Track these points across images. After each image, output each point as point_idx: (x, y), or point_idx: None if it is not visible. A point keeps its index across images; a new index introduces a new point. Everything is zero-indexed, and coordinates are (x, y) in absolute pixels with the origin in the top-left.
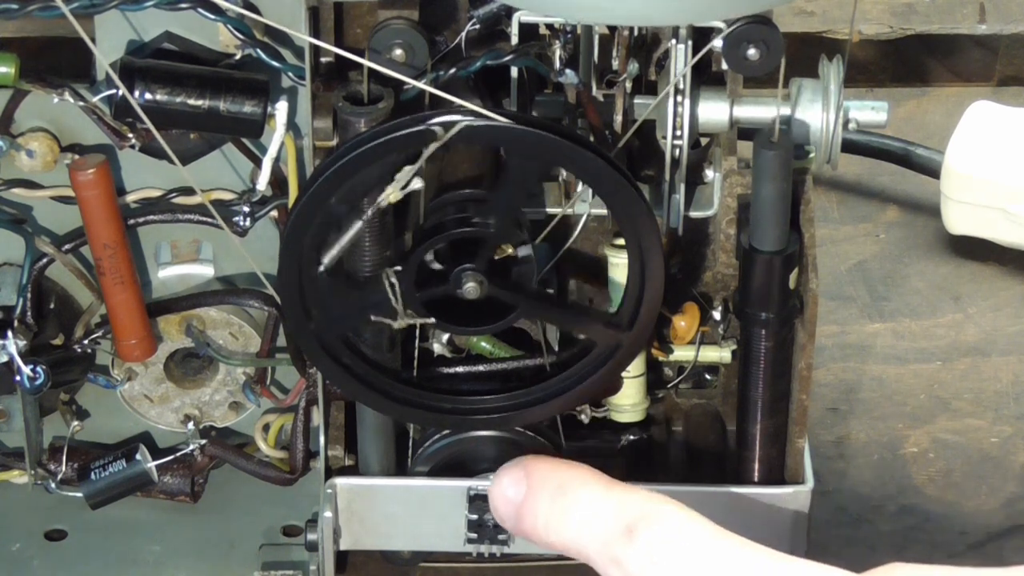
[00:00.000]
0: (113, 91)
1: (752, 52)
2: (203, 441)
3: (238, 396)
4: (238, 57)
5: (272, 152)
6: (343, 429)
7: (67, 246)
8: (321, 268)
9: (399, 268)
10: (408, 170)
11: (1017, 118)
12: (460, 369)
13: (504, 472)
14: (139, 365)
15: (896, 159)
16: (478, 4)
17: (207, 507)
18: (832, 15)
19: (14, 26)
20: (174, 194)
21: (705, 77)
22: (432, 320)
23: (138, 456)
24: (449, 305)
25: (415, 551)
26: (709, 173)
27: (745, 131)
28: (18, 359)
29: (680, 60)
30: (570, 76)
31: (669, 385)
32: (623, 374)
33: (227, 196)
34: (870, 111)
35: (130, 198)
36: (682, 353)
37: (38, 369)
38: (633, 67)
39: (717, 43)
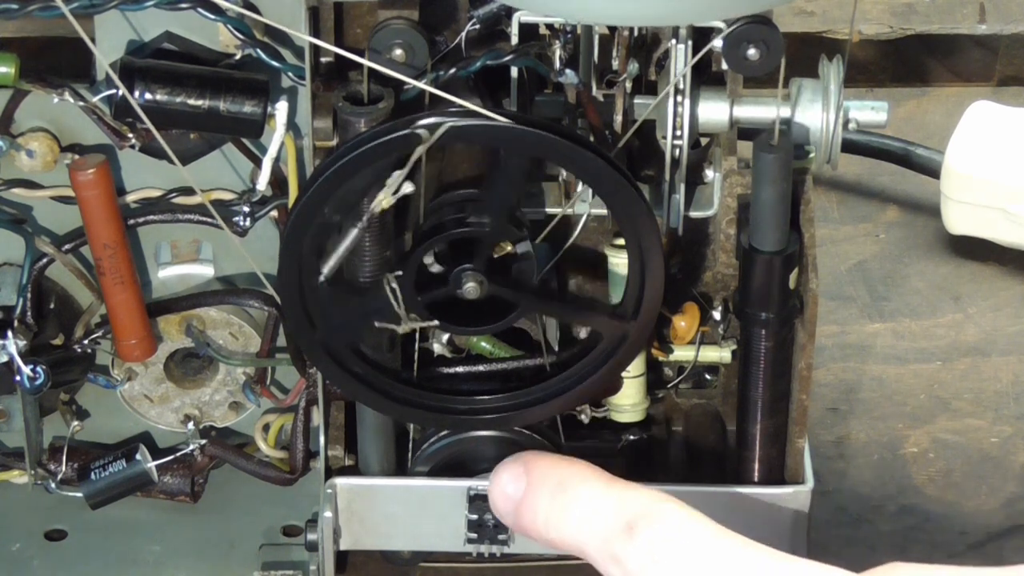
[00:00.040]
0: (113, 91)
1: (752, 52)
2: (203, 441)
3: (238, 396)
4: (238, 57)
5: (272, 152)
6: (343, 429)
7: (67, 246)
8: (322, 278)
9: (399, 273)
10: (398, 175)
11: (1017, 118)
12: (460, 369)
13: (503, 468)
14: (139, 365)
15: (896, 159)
16: (478, 4)
17: (207, 507)
18: (832, 15)
19: (14, 26)
20: (174, 194)
21: (705, 77)
22: (436, 323)
23: (138, 456)
24: (452, 306)
25: (415, 551)
26: (709, 173)
27: (745, 131)
28: (18, 359)
29: (680, 60)
30: (570, 76)
31: (669, 385)
32: (623, 374)
33: (227, 196)
34: (870, 111)
35: (130, 198)
36: (682, 353)
37: (38, 369)
38: (633, 67)
39: (717, 43)
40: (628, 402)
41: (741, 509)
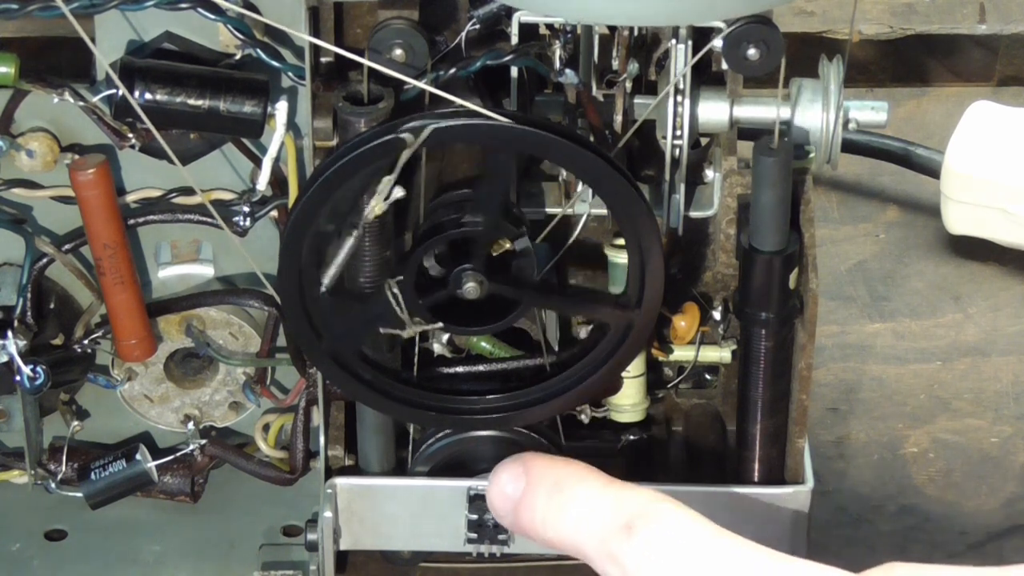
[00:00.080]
0: (113, 91)
1: (752, 52)
2: (203, 441)
3: (238, 396)
4: (238, 57)
5: (272, 152)
6: (343, 429)
7: (67, 246)
8: (323, 288)
9: (400, 278)
10: (388, 180)
11: (1017, 118)
12: (460, 369)
13: (502, 468)
14: (139, 365)
15: (896, 159)
16: (478, 4)
17: (207, 507)
18: (832, 15)
19: (14, 26)
20: (174, 194)
21: (705, 77)
22: (440, 325)
23: (138, 456)
24: (454, 307)
25: (415, 551)
26: (709, 173)
27: (745, 131)
28: (18, 359)
29: (680, 60)
30: (570, 76)
31: (669, 385)
32: (623, 374)
33: (227, 196)
34: (870, 111)
35: (130, 198)
36: (682, 353)
37: (38, 369)
38: (633, 67)
39: (717, 43)
40: (628, 402)
41: (741, 509)
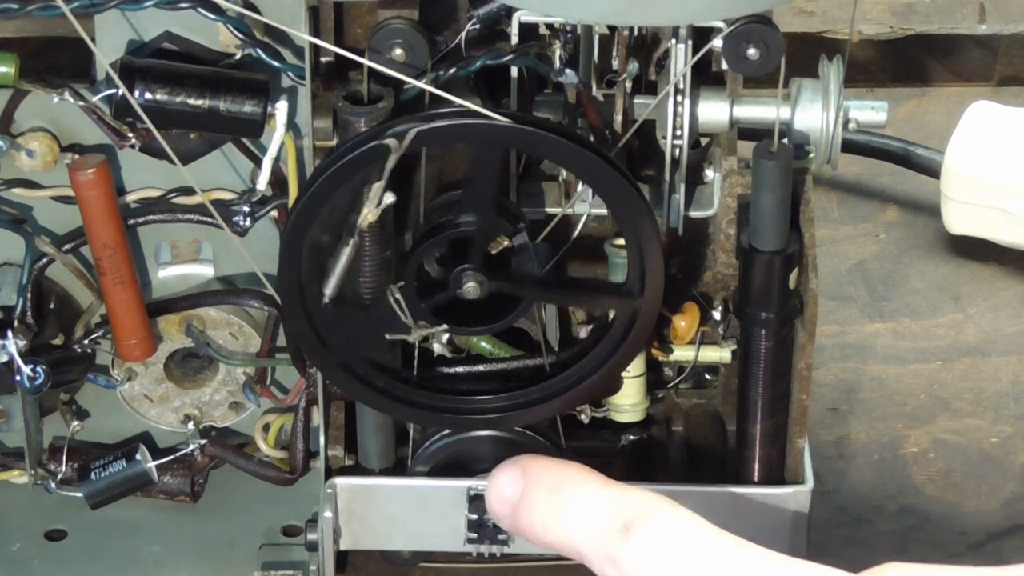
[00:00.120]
0: (113, 91)
1: (752, 52)
2: (203, 441)
3: (238, 396)
4: (238, 57)
5: (272, 152)
6: (343, 429)
7: (67, 246)
8: (326, 299)
9: (402, 283)
10: (378, 187)
11: (1017, 118)
12: (460, 369)
13: (500, 471)
14: (139, 365)
15: (896, 159)
16: (478, 4)
17: (207, 507)
18: (832, 15)
19: (14, 26)
20: (174, 194)
21: (705, 77)
22: (445, 327)
23: (138, 456)
24: (458, 308)
25: (415, 551)
26: (709, 173)
27: (745, 131)
28: (18, 359)
29: (680, 60)
30: (570, 76)
31: (669, 385)
32: (623, 374)
33: (227, 196)
34: (870, 111)
35: (130, 198)
36: (682, 353)
37: (38, 369)
38: (633, 67)
39: (717, 43)
40: (628, 402)
41: (741, 509)
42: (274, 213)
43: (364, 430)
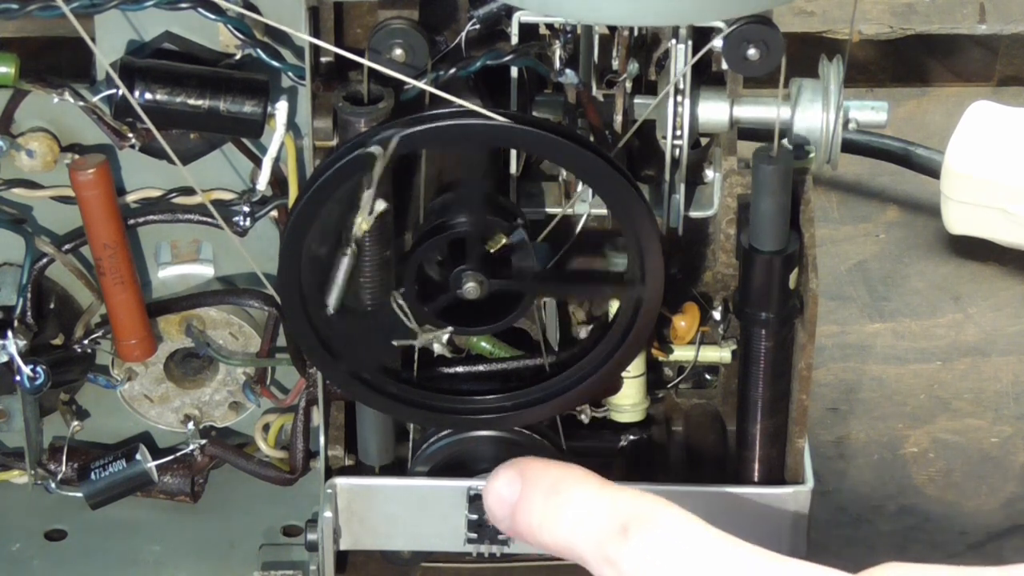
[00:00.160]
0: (113, 91)
1: (752, 52)
2: (203, 441)
3: (238, 396)
4: (238, 57)
5: (272, 152)
6: (343, 429)
7: (67, 246)
8: (330, 310)
9: (403, 289)
10: (368, 195)
11: (1017, 118)
12: (460, 369)
13: (498, 473)
14: (139, 365)
15: (896, 159)
16: (478, 4)
17: (207, 507)
18: (832, 15)
19: (14, 26)
20: (174, 194)
21: (705, 77)
22: (450, 329)
23: (138, 456)
24: (461, 308)
25: (415, 551)
26: (709, 173)
27: (745, 131)
28: (18, 359)
29: (680, 60)
30: (570, 76)
31: (669, 385)
32: (623, 374)
33: (227, 196)
34: (870, 111)
35: (130, 198)
36: (682, 353)
37: (38, 369)
38: (633, 67)
39: (717, 43)
40: (628, 402)
41: (741, 509)
42: (274, 213)
43: (364, 427)
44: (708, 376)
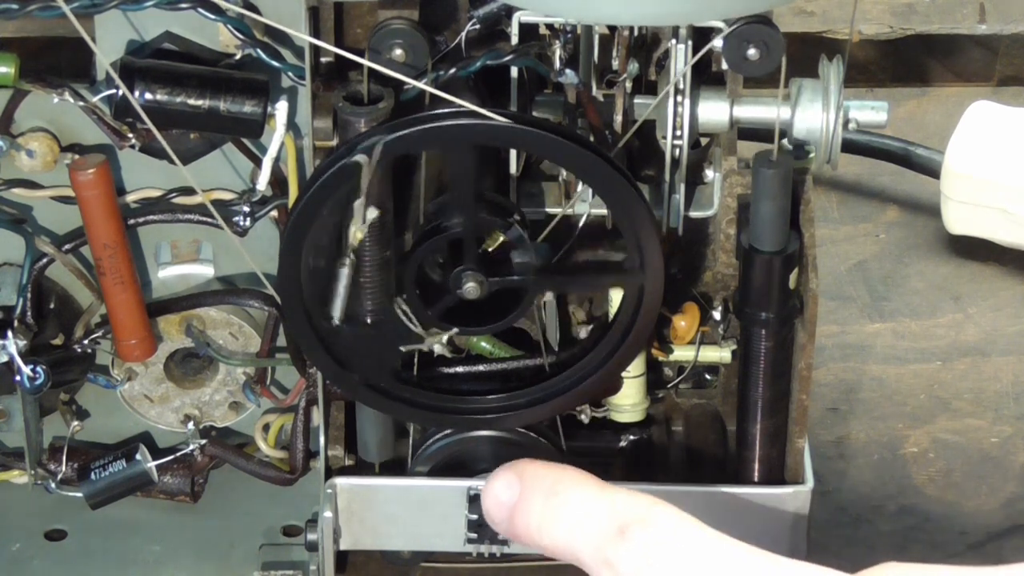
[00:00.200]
0: (113, 91)
1: (752, 52)
2: (203, 441)
3: (238, 396)
4: (238, 57)
5: (272, 152)
6: (343, 429)
7: (67, 246)
8: (336, 322)
9: (405, 295)
10: (359, 204)
11: (1017, 118)
12: (460, 369)
13: (497, 475)
14: (139, 365)
15: (896, 159)
16: (478, 4)
17: (207, 507)
18: (832, 15)
19: (14, 26)
20: (174, 194)
21: (705, 77)
22: (455, 330)
23: (138, 456)
24: (465, 309)
25: (415, 551)
26: (709, 173)
27: (745, 131)
28: (18, 359)
29: (680, 60)
30: (570, 76)
31: (669, 385)
32: (623, 374)
33: (227, 196)
34: (870, 111)
35: (130, 198)
36: (682, 353)
37: (38, 369)
38: (633, 67)
39: (717, 43)
40: (628, 402)
41: (741, 509)
42: (274, 213)
43: (363, 422)
44: (708, 376)
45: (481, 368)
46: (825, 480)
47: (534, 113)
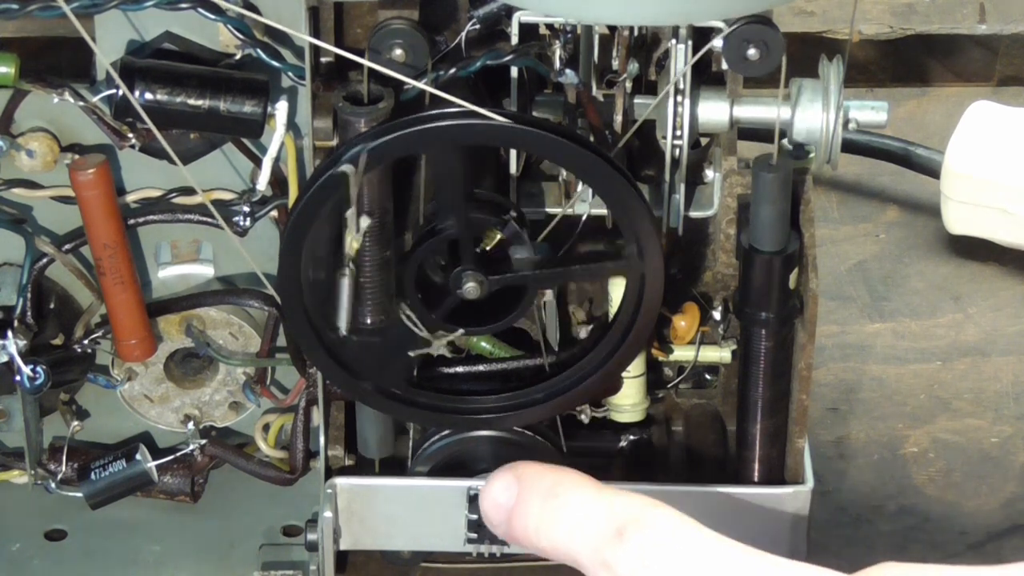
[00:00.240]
0: (113, 91)
1: (752, 52)
2: (203, 441)
3: (238, 396)
4: (238, 57)
5: (272, 152)
6: (343, 429)
7: (67, 246)
8: (342, 333)
9: (409, 300)
10: (351, 213)
11: (1017, 118)
12: (460, 369)
13: (495, 477)
14: (139, 365)
15: (896, 159)
16: (478, 4)
17: (207, 507)
18: (832, 15)
19: (14, 26)
20: (174, 194)
21: (705, 77)
22: (461, 331)
23: (138, 456)
24: (468, 309)
25: (415, 551)
26: (709, 173)
27: (745, 131)
28: (18, 359)
29: (680, 60)
30: (570, 76)
31: (669, 385)
32: (623, 374)
33: (227, 196)
34: (870, 111)
35: (130, 198)
36: (682, 353)
37: (38, 369)
38: (633, 67)
39: (717, 43)
40: (628, 402)
41: (741, 509)
42: (274, 213)
43: (363, 420)
44: (708, 376)
45: (481, 368)
46: (825, 480)
47: (534, 113)
